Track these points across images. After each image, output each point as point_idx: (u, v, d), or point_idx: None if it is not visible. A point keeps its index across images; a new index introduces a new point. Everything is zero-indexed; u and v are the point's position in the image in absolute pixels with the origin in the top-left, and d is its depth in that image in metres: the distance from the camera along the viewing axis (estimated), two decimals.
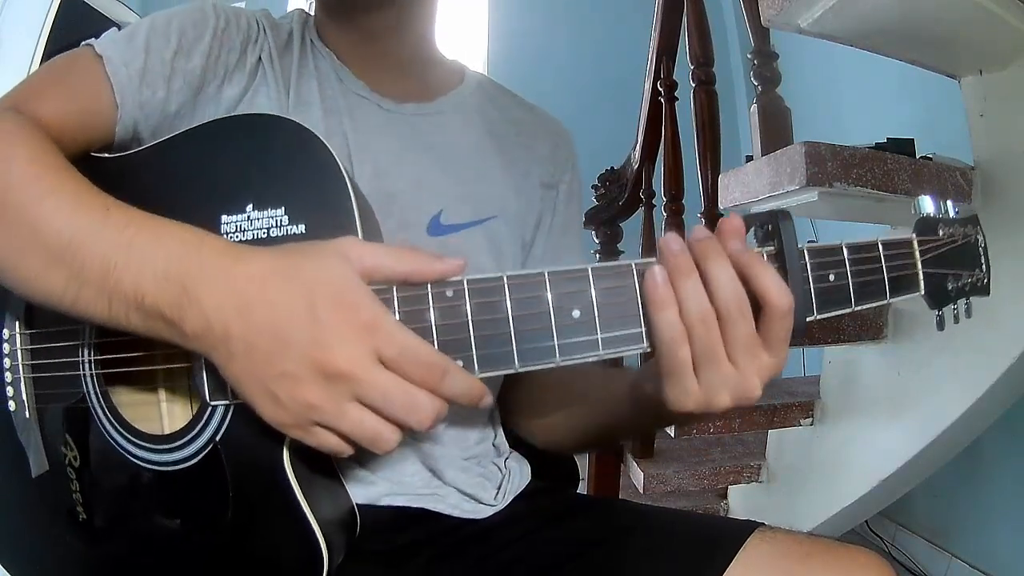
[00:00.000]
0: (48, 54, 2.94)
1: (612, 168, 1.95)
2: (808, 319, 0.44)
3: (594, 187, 1.92)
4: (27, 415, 0.55)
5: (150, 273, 0.40)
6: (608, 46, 3.24)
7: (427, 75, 0.69)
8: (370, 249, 0.42)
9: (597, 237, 1.89)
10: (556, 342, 0.42)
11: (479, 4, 3.54)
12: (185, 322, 0.40)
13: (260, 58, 0.61)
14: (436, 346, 0.41)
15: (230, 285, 0.40)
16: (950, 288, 0.50)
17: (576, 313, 0.42)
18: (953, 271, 0.49)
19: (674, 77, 1.70)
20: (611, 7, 3.29)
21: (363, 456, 0.60)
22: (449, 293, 0.42)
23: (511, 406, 0.71)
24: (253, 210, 0.47)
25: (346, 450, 0.41)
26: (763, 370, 0.43)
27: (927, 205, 0.50)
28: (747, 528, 0.57)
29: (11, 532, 0.58)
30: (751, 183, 1.19)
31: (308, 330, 0.39)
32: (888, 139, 1.19)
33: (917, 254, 0.48)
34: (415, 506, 0.61)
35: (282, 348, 0.39)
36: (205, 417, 0.47)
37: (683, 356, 0.42)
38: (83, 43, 0.56)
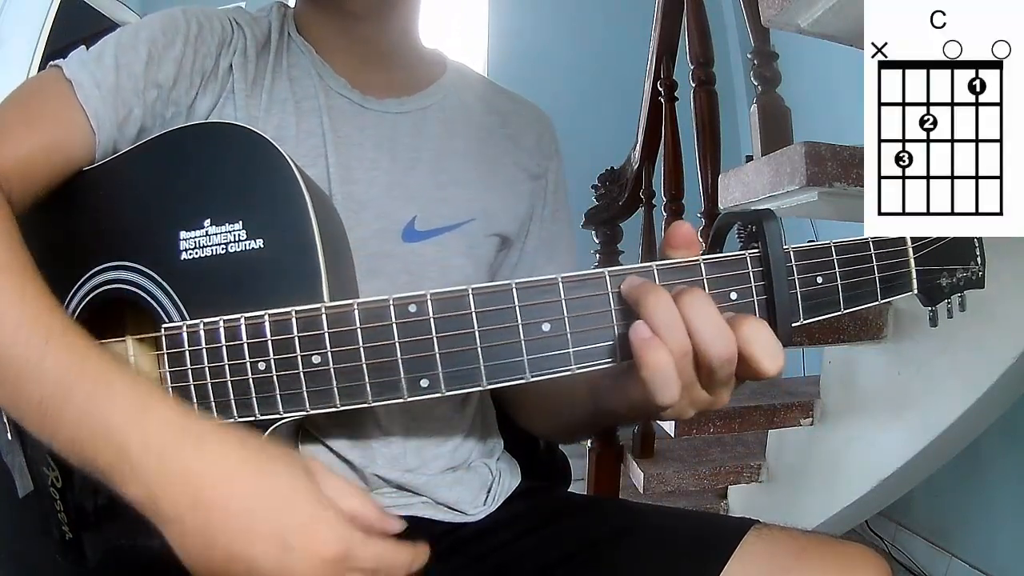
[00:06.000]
0: (48, 54, 2.94)
1: (612, 168, 1.94)
2: (794, 324, 0.43)
3: (594, 187, 1.92)
4: (9, 436, 0.53)
5: (88, 432, 0.37)
6: (608, 46, 3.23)
7: (410, 68, 0.67)
8: (329, 476, 0.41)
9: (597, 237, 1.89)
10: (525, 357, 0.41)
11: (479, 4, 3.53)
12: (128, 492, 0.37)
13: (232, 64, 0.58)
14: (401, 365, 0.41)
15: (185, 477, 0.37)
16: (944, 284, 0.48)
17: (546, 327, 0.41)
18: (948, 267, 0.48)
19: (674, 77, 1.70)
20: (611, 7, 3.29)
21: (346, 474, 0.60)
22: (412, 308, 0.41)
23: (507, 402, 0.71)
24: (211, 225, 0.45)
25: None
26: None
27: None
28: (743, 526, 0.57)
29: (7, 552, 0.57)
30: (751, 183, 1.19)
31: (275, 558, 0.37)
32: None
33: (911, 252, 0.47)
34: (405, 514, 0.60)
35: (245, 562, 0.37)
36: None
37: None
38: (50, 64, 0.53)
